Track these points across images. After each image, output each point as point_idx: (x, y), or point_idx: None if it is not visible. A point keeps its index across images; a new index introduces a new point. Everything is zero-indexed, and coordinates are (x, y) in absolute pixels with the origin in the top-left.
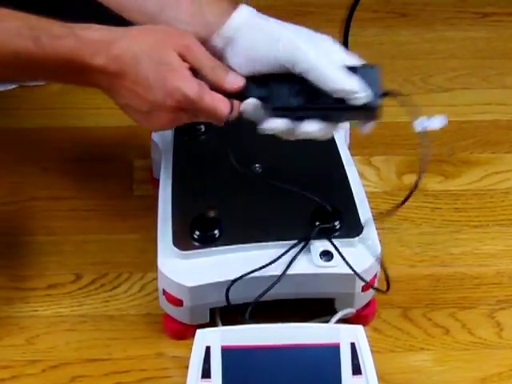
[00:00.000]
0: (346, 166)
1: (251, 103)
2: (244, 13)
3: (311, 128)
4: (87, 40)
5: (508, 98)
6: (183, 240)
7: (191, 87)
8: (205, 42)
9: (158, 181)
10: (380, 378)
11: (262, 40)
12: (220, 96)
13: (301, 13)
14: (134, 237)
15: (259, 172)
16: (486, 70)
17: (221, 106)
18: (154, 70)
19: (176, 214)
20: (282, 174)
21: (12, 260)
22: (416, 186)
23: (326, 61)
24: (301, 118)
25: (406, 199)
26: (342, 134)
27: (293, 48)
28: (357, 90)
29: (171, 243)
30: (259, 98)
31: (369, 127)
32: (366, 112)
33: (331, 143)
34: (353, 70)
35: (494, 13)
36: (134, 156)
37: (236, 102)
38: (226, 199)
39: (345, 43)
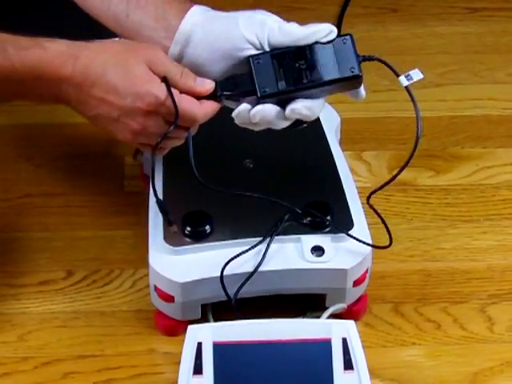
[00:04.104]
0: (336, 161)
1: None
2: (198, 9)
3: (300, 106)
4: (53, 51)
5: (499, 93)
6: (174, 236)
7: (161, 89)
8: (168, 48)
9: (149, 177)
10: (372, 372)
11: (220, 25)
12: (190, 98)
13: (291, 8)
14: (126, 233)
15: (250, 167)
16: (476, 65)
17: (193, 107)
18: (123, 76)
19: (167, 210)
20: (273, 169)
21: (4, 256)
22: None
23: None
24: (287, 100)
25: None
26: (332, 130)
27: (253, 17)
28: (328, 26)
29: (162, 239)
30: (232, 95)
31: (362, 93)
32: (352, 81)
33: (322, 138)
34: (327, 44)
35: (485, 8)
36: (125, 152)
37: (209, 103)
38: (216, 195)
39: None
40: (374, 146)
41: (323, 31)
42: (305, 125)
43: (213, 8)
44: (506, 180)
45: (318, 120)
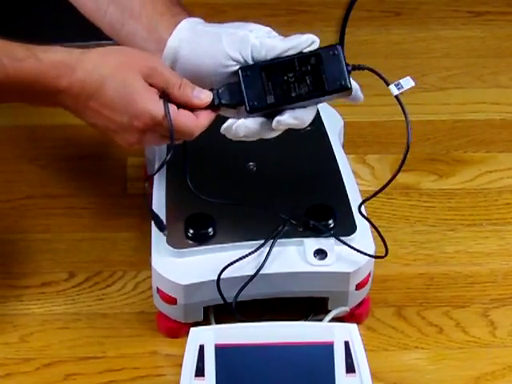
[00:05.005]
0: (340, 165)
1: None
2: (186, 24)
3: (287, 120)
4: (49, 62)
5: (502, 97)
6: (177, 238)
7: (159, 108)
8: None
9: (153, 179)
10: (374, 376)
11: (205, 42)
12: (188, 113)
13: (295, 11)
14: (128, 235)
15: (254, 170)
16: (479, 69)
17: (190, 123)
18: (120, 92)
19: (170, 212)
20: (276, 172)
21: (6, 258)
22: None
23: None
24: (277, 112)
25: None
26: (336, 133)
27: (235, 34)
28: (310, 37)
29: (165, 241)
30: (231, 104)
31: (359, 96)
32: (342, 93)
33: (325, 142)
34: (315, 54)
35: (488, 12)
36: (128, 154)
37: (206, 113)
38: (219, 198)
39: (341, 42)
40: (378, 150)
41: (305, 43)
42: (308, 127)
43: (205, 19)
44: (509, 184)
45: (321, 123)
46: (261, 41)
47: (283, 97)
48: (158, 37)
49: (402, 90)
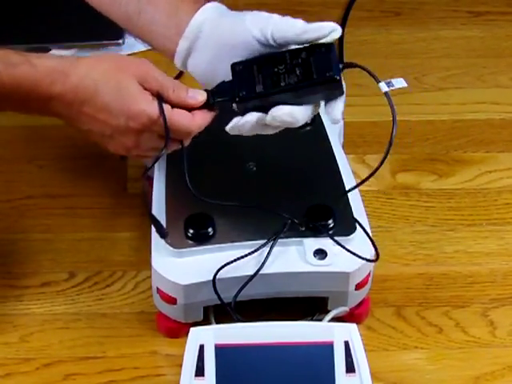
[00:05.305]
0: (340, 165)
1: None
2: (210, 5)
3: (280, 112)
4: (43, 68)
5: (501, 97)
6: (177, 238)
7: (154, 108)
8: (177, 44)
9: (152, 179)
10: (373, 376)
11: (228, 20)
12: (183, 111)
13: (295, 11)
14: (128, 235)
15: (253, 170)
16: (479, 69)
17: (186, 121)
18: (114, 95)
19: (170, 212)
20: (275, 172)
21: (6, 257)
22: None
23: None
24: (269, 106)
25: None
26: (335, 133)
27: (260, 13)
28: (333, 24)
29: (165, 241)
30: (225, 100)
31: (338, 110)
32: (331, 86)
33: (325, 142)
34: (309, 48)
35: (488, 12)
36: None
37: (202, 114)
38: (219, 198)
39: (340, 42)
40: (377, 150)
41: (327, 28)
42: (308, 127)
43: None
44: (509, 184)
45: (321, 123)
46: (284, 19)
47: (272, 86)
48: (178, 21)
49: (393, 87)
